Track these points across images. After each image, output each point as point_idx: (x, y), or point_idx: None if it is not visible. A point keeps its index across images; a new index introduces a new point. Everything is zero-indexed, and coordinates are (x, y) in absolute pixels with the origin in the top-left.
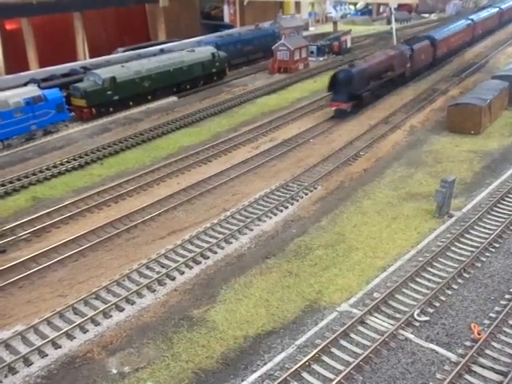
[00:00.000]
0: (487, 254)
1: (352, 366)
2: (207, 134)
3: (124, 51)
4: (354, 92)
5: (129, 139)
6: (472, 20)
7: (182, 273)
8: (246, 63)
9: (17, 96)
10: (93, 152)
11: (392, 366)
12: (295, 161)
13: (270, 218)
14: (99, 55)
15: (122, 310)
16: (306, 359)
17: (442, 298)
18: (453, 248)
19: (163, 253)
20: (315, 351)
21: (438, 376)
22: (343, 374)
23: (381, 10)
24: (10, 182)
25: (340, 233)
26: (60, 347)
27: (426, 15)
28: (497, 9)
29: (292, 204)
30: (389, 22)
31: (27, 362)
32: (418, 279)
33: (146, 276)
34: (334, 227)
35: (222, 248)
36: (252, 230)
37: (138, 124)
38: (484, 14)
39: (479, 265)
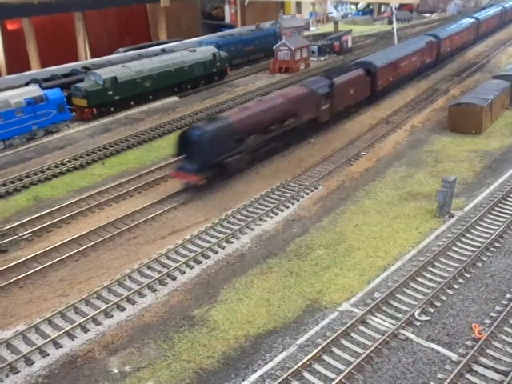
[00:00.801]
0: (488, 254)
1: (353, 366)
2: None
3: (125, 51)
4: (208, 160)
5: (130, 139)
6: (436, 37)
7: (183, 272)
8: (246, 63)
9: (18, 96)
10: (94, 152)
11: (393, 365)
12: (296, 161)
13: (271, 217)
14: (100, 55)
15: (123, 309)
16: (306, 359)
17: (443, 298)
18: (454, 248)
19: (164, 252)
20: (316, 351)
21: (439, 375)
22: (344, 373)
23: (382, 9)
24: (12, 182)
25: (341, 232)
26: (61, 347)
27: (427, 15)
28: (472, 20)
29: (293, 204)
30: (390, 22)
31: (28, 361)
32: (418, 279)
33: (147, 276)
34: (335, 227)
35: (223, 247)
36: (253, 229)
37: (139, 124)
38: (453, 27)
39: (480, 264)
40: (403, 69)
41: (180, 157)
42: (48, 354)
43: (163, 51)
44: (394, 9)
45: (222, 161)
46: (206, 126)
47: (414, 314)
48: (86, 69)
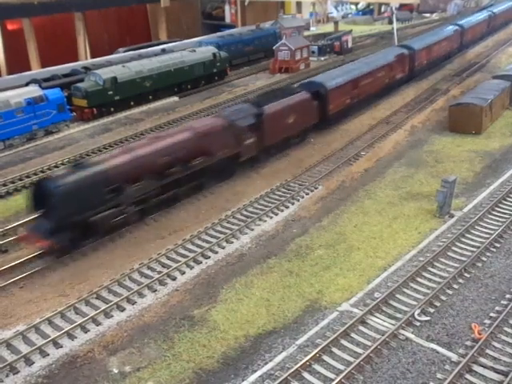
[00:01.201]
0: (488, 254)
1: (353, 366)
2: None
3: (125, 51)
4: (64, 219)
5: (130, 139)
6: (409, 48)
7: (183, 273)
8: (247, 63)
9: (18, 96)
10: (94, 152)
11: (393, 365)
12: (296, 161)
13: (271, 217)
14: (100, 55)
15: (123, 309)
16: (306, 359)
17: (443, 298)
18: (454, 248)
19: (164, 252)
20: (316, 351)
21: (439, 376)
22: (344, 373)
23: (382, 9)
24: (12, 182)
25: (341, 233)
26: (61, 347)
27: (428, 15)
28: (456, 27)
29: (293, 204)
30: (390, 22)
31: (28, 361)
32: (418, 279)
33: (147, 276)
34: (335, 227)
35: (223, 248)
36: (253, 229)
37: (139, 124)
38: (432, 37)
39: (480, 265)
40: (365, 87)
41: (35, 214)
42: (48, 354)
43: (163, 51)
44: (394, 9)
45: (88, 218)
46: (65, 177)
47: (413, 314)
48: (86, 69)
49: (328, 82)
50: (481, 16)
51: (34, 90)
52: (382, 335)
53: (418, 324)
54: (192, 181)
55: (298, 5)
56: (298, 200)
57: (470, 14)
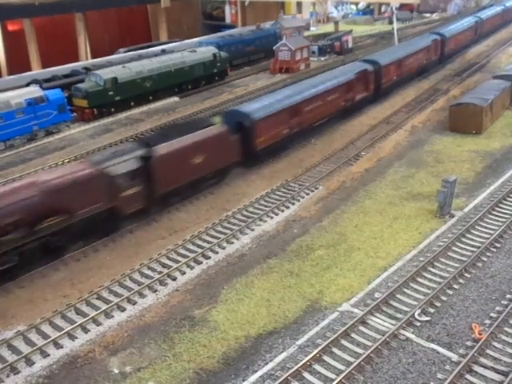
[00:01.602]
0: (488, 254)
1: (353, 366)
2: None
3: (125, 52)
4: None
5: (130, 140)
6: (375, 63)
7: (184, 273)
8: (247, 63)
9: (19, 97)
10: (95, 152)
11: (393, 365)
12: (296, 161)
13: (272, 217)
14: (101, 56)
15: (123, 310)
16: (307, 359)
17: (443, 298)
18: (454, 248)
19: (164, 253)
20: (316, 351)
21: (439, 376)
22: (344, 373)
23: (382, 9)
24: None
25: (341, 233)
26: (62, 347)
27: (428, 15)
28: (435, 36)
29: (293, 204)
30: (390, 22)
31: (29, 361)
32: (419, 279)
33: (148, 276)
34: (336, 227)
35: (224, 248)
36: (253, 229)
37: (140, 124)
38: (406, 48)
39: (480, 265)
40: (312, 113)
41: None
42: (48, 355)
43: (163, 52)
44: (394, 9)
45: None
46: None
47: (414, 314)
48: (87, 69)
49: (256, 112)
50: (466, 23)
51: (34, 91)
52: (383, 335)
53: (418, 324)
54: (43, 247)
55: (299, 5)
56: (299, 200)
57: (455, 20)
